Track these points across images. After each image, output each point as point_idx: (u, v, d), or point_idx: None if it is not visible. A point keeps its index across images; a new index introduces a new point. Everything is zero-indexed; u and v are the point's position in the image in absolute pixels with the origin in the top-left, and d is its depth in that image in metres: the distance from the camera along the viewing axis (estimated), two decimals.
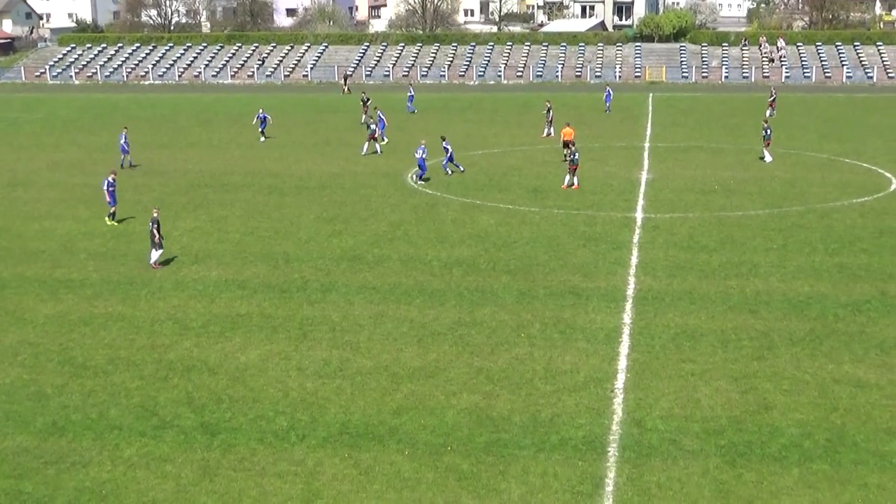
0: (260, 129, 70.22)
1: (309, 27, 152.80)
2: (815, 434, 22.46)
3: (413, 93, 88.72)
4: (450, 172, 54.32)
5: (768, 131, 57.52)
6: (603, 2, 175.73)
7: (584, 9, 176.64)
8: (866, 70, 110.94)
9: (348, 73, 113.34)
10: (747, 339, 28.42)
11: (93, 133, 76.18)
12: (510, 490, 20.18)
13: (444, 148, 54.66)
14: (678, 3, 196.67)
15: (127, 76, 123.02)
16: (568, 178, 50.40)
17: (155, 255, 36.97)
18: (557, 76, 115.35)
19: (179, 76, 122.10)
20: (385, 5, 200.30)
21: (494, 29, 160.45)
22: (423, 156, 53.01)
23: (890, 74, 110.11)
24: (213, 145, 68.48)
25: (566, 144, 58.49)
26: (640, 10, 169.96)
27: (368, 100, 79.90)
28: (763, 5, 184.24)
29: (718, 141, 66.78)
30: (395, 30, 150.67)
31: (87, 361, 27.60)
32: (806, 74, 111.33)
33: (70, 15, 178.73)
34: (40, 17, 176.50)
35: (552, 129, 69.32)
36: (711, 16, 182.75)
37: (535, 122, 78.36)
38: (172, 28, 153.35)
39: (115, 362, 27.50)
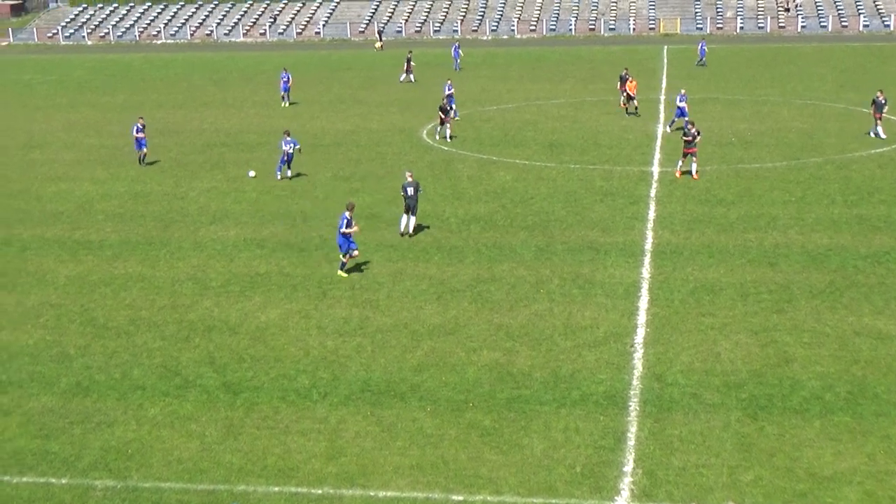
0: (283, 92, 66.79)
1: None
2: (836, 386, 22.48)
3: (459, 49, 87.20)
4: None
5: (883, 101, 49.46)
6: None
7: None
8: (883, 18, 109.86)
9: (381, 27, 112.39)
10: (766, 293, 28.39)
11: (107, 94, 76.15)
12: (532, 445, 20.27)
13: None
14: None
15: (139, 36, 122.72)
16: (681, 162, 42.51)
17: (405, 220, 34.94)
18: (571, 29, 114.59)
19: (191, 35, 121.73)
20: None
21: None
22: (684, 105, 52.31)
23: None
24: (228, 104, 68.41)
25: (630, 97, 57.93)
26: None
27: (411, 58, 79.50)
28: None
29: (734, 93, 66.42)
30: None
31: (108, 322, 27.76)
32: (822, 24, 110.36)
33: None
34: None
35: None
36: None
37: (550, 76, 78.10)
38: None
39: (137, 323, 27.65)
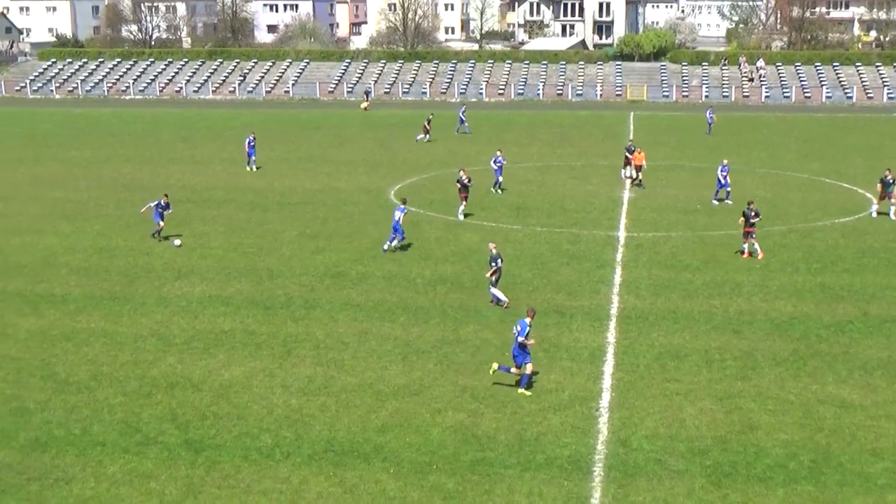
0: (250, 156, 63.53)
1: (290, 43, 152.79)
2: (800, 455, 22.51)
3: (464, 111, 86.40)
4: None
5: (891, 180, 46.74)
6: (583, 21, 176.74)
7: (564, 27, 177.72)
8: (845, 90, 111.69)
9: (368, 89, 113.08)
10: (731, 359, 28.48)
11: (73, 148, 75.85)
12: None
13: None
14: (658, 23, 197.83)
15: (107, 91, 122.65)
16: (746, 244, 39.99)
17: (497, 292, 33.77)
18: (539, 94, 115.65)
19: (160, 91, 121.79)
20: (366, 22, 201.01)
21: (475, 47, 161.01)
22: (725, 175, 50.45)
23: (869, 94, 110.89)
24: (196, 161, 68.28)
25: (638, 169, 56.91)
26: (619, 29, 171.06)
27: (431, 119, 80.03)
28: (742, 25, 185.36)
29: (699, 160, 67.02)
30: (376, 47, 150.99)
31: (69, 377, 27.43)
32: (786, 94, 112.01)
33: (50, 30, 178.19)
34: (20, 32, 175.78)
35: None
36: (691, 35, 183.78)
37: (518, 140, 78.60)
38: (153, 43, 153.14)
39: (98, 378, 27.33)
